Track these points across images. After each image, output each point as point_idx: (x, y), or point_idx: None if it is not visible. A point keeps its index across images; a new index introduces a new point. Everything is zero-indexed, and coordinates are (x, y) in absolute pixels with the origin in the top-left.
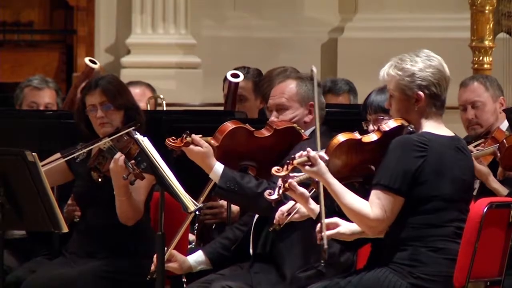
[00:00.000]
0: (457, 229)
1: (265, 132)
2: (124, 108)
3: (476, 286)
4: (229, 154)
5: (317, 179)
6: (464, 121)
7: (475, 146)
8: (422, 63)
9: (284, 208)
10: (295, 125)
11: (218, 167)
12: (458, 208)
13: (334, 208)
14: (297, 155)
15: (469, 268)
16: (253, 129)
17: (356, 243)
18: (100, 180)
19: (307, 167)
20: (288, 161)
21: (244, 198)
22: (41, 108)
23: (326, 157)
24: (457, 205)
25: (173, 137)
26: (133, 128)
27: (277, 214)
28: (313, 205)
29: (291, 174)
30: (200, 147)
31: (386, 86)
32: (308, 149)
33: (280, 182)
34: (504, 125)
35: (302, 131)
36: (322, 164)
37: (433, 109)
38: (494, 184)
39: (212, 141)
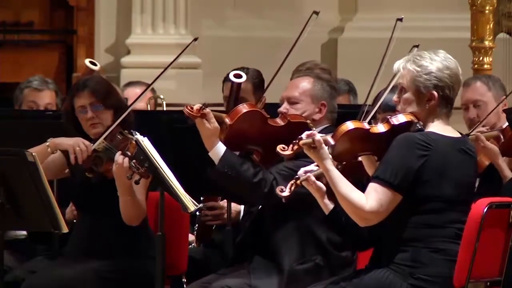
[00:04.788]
0: (458, 230)
1: (278, 122)
2: (114, 107)
3: (476, 287)
4: (239, 135)
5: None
6: (466, 120)
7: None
8: (441, 64)
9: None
10: (308, 121)
11: (220, 148)
12: (460, 209)
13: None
14: (304, 135)
15: (469, 269)
16: (268, 116)
17: (362, 244)
18: (96, 181)
19: (310, 149)
20: (294, 141)
21: (238, 184)
22: (41, 109)
23: (332, 142)
24: (458, 207)
25: (191, 105)
26: (126, 131)
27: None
28: (327, 200)
29: (308, 169)
30: (209, 124)
31: (395, 85)
32: (315, 132)
33: (292, 181)
34: (506, 125)
35: (314, 128)
36: (324, 149)
37: (444, 110)
38: (503, 164)
39: (226, 119)
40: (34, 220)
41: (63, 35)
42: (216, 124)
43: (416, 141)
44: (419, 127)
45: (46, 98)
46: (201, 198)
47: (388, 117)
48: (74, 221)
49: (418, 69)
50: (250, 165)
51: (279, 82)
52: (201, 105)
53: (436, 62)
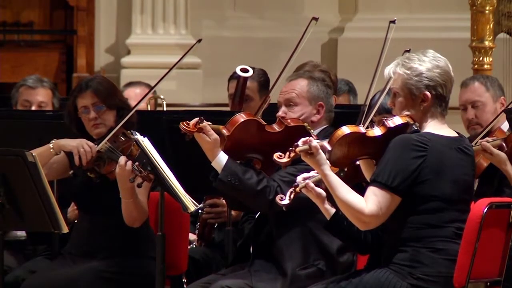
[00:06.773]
0: (457, 229)
1: (276, 128)
2: (116, 107)
3: (476, 287)
4: (238, 145)
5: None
6: (465, 121)
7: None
8: (430, 63)
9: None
10: (306, 124)
11: (222, 158)
12: (458, 208)
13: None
14: (300, 141)
15: (469, 269)
16: (265, 123)
17: (365, 248)
18: (98, 180)
19: (307, 156)
20: (290, 148)
21: (242, 193)
22: (34, 107)
23: (329, 148)
24: (457, 206)
25: (187, 121)
26: (129, 131)
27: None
28: (328, 205)
29: (306, 175)
30: (208, 137)
31: (389, 86)
32: (311, 138)
33: (291, 188)
34: (505, 125)
35: (312, 131)
36: (322, 155)
37: (438, 109)
38: (511, 170)
39: (223, 131)
40: (34, 220)
41: (63, 35)
42: (215, 136)
43: (412, 142)
44: (415, 128)
45: (39, 96)
46: (204, 197)
47: (384, 120)
48: (76, 221)
49: (408, 71)
50: (253, 173)
51: (281, 84)
52: (197, 120)
53: (425, 62)
